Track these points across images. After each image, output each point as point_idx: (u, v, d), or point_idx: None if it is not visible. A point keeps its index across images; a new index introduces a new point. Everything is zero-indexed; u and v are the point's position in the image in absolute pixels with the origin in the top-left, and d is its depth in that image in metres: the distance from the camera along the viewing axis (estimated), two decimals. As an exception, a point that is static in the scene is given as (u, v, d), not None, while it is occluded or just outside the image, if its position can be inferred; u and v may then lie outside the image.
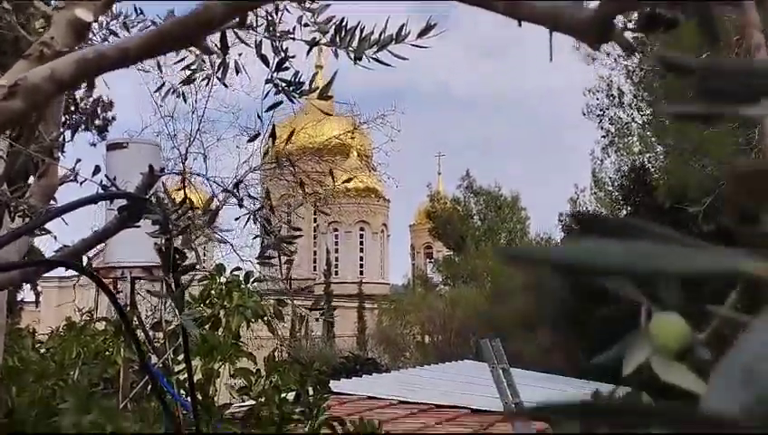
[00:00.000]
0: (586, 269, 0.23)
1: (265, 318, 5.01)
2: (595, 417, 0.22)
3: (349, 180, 20.85)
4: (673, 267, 0.21)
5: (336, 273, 36.45)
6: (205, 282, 5.27)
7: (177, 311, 1.33)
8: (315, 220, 35.32)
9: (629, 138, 20.15)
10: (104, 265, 5.70)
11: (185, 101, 2.06)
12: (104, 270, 5.23)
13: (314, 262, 37.12)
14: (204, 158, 13.11)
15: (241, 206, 1.77)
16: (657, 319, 0.36)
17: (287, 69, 1.53)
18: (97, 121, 11.02)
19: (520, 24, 0.64)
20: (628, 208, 17.33)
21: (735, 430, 0.19)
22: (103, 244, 5.61)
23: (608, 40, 0.58)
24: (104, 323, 5.43)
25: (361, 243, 38.75)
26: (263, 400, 4.98)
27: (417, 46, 1.49)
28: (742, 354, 0.22)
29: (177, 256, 1.33)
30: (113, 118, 13.19)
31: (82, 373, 5.02)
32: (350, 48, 1.47)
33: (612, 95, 18.46)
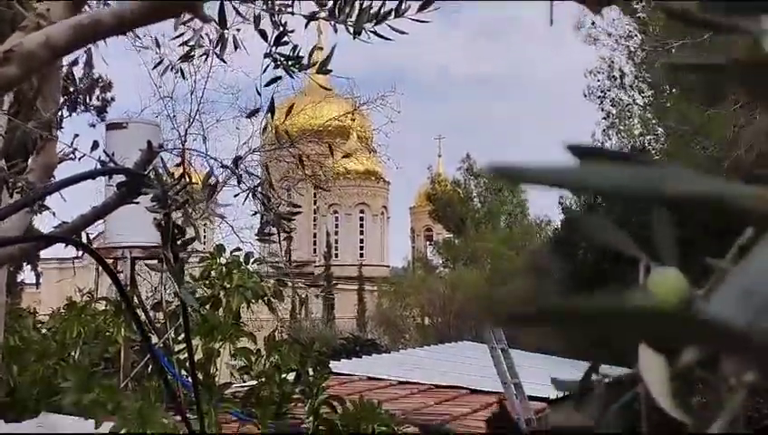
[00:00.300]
0: (584, 189, 0.23)
1: (266, 298, 5.03)
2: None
3: (347, 156, 20.79)
4: (675, 191, 0.21)
5: (336, 255, 36.50)
6: (205, 262, 5.28)
7: (176, 286, 1.33)
8: (315, 202, 35.32)
9: (630, 120, 20.08)
10: (104, 246, 5.71)
11: (183, 77, 2.04)
12: (104, 250, 5.24)
13: (314, 244, 37.16)
14: (203, 139, 13.07)
15: (240, 182, 1.77)
16: (655, 274, 0.36)
17: (286, 43, 1.52)
18: (95, 102, 10.98)
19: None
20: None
21: (741, 340, 0.19)
22: (103, 224, 5.61)
23: (609, 4, 0.57)
24: (105, 302, 5.45)
25: (361, 225, 38.76)
26: (263, 380, 5.01)
27: (416, 21, 1.48)
28: (741, 277, 0.22)
29: (176, 231, 1.33)
30: (112, 99, 13.14)
31: (83, 353, 5.05)
32: (349, 22, 1.45)
33: (614, 76, 18.36)
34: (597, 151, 0.26)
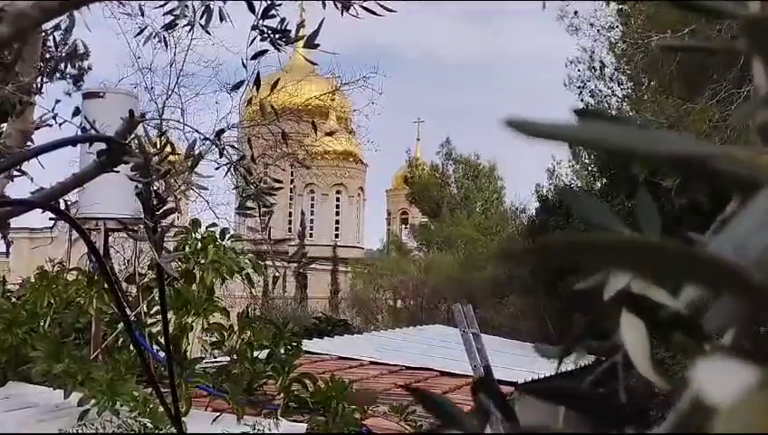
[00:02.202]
0: (592, 145, 0.24)
1: (244, 272, 5.02)
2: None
3: (330, 134, 20.70)
4: (670, 150, 0.22)
5: (311, 235, 36.44)
6: (180, 237, 5.25)
7: (155, 255, 1.33)
8: (292, 181, 35.16)
9: (608, 111, 20.23)
10: (78, 217, 5.64)
11: (166, 46, 2.03)
12: (78, 221, 5.18)
13: (289, 223, 37.04)
14: (181, 112, 12.93)
15: (222, 155, 1.76)
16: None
17: (274, 16, 1.51)
18: (72, 70, 10.79)
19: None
20: (604, 181, 17.48)
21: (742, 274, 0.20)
22: (77, 195, 5.55)
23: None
24: (76, 273, 5.40)
25: (337, 206, 38.70)
26: (235, 356, 5.02)
27: None
28: (734, 231, 0.23)
29: (157, 201, 1.33)
30: (89, 67, 12.92)
31: (54, 323, 5.01)
32: (338, -2, 1.45)
33: (594, 67, 18.45)
34: (599, 114, 0.27)
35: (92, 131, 1.79)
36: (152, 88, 13.27)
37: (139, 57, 12.89)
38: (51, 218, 2.47)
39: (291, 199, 36.92)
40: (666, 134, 0.23)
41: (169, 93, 12.57)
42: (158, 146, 1.46)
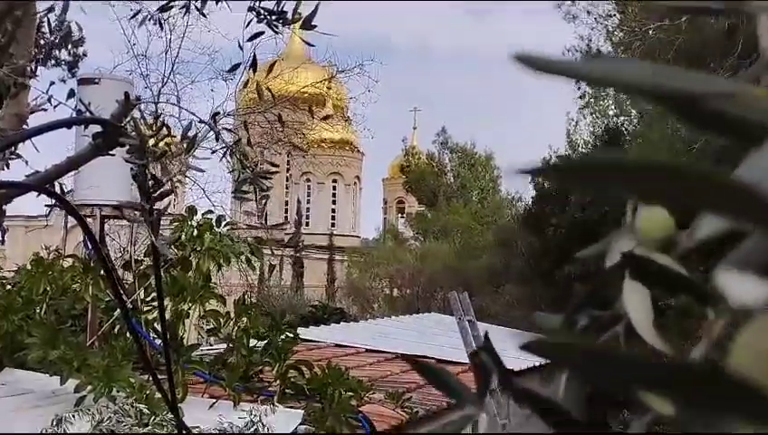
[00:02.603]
0: (602, 82, 0.23)
1: (243, 256, 5.01)
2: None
3: (327, 117, 20.63)
4: (684, 87, 0.21)
5: (307, 224, 36.44)
6: (176, 224, 5.24)
7: (152, 237, 1.32)
8: (288, 170, 35.10)
9: (605, 100, 20.23)
10: (74, 204, 5.62)
11: (161, 28, 2.01)
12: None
13: (286, 212, 37.01)
14: (177, 100, 12.85)
15: (218, 139, 1.75)
16: (642, 211, 0.37)
17: (270, -2, 1.50)
18: (66, 56, 10.73)
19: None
20: (600, 170, 17.46)
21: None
22: (72, 183, 5.53)
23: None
24: (72, 260, 5.38)
25: (334, 195, 38.68)
26: (231, 343, 5.02)
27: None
28: (760, 160, 0.22)
29: (153, 183, 1.32)
30: (84, 54, 12.83)
31: (50, 309, 5.00)
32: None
33: (591, 55, 18.41)
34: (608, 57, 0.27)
35: (88, 114, 1.78)
36: (147, 75, 13.20)
37: (134, 44, 12.82)
38: (47, 205, 2.46)
39: (287, 188, 36.88)
40: (681, 72, 0.22)
41: (165, 81, 12.50)
42: (154, 128, 1.45)
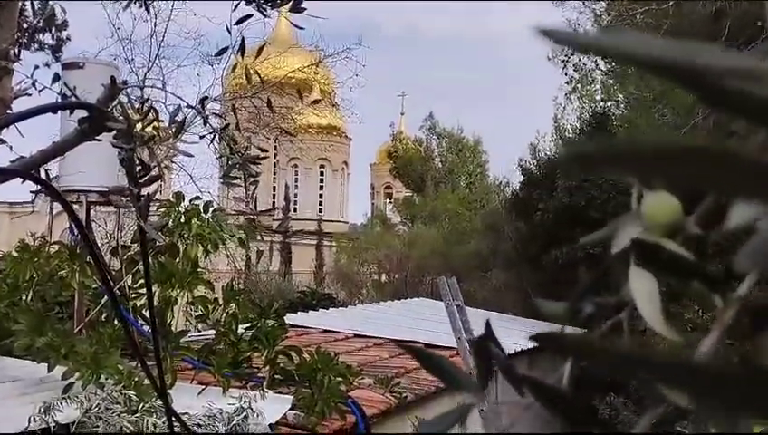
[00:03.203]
0: (635, 59, 0.22)
1: (235, 238, 5.00)
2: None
3: (316, 102, 20.54)
4: (711, 64, 0.20)
5: (295, 210, 36.37)
6: (163, 210, 5.21)
7: (141, 221, 1.30)
8: (276, 156, 34.95)
9: (592, 85, 20.25)
10: (60, 190, 5.56)
11: (148, 11, 1.98)
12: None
13: (273, 198, 36.91)
14: (163, 85, 12.71)
15: (206, 123, 1.73)
16: (648, 196, 0.36)
17: (258, -19, 1.48)
18: (50, 41, 10.58)
19: None
20: (587, 155, 17.50)
21: None
22: (57, 169, 5.47)
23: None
24: (59, 247, 5.34)
25: (321, 180, 38.60)
26: (220, 329, 5.01)
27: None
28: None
29: (141, 168, 1.30)
30: (68, 38, 12.67)
31: (36, 296, 4.96)
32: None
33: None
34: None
35: (73, 99, 1.75)
36: (132, 60, 13.07)
37: (118, 28, 12.67)
38: (32, 191, 2.43)
39: (274, 174, 36.74)
40: (702, 47, 0.21)
41: (150, 65, 12.38)
42: (141, 112, 1.43)
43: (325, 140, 36.97)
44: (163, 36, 12.59)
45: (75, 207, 5.32)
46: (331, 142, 37.51)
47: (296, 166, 37.40)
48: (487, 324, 0.38)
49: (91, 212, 5.84)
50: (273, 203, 36.63)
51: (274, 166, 36.25)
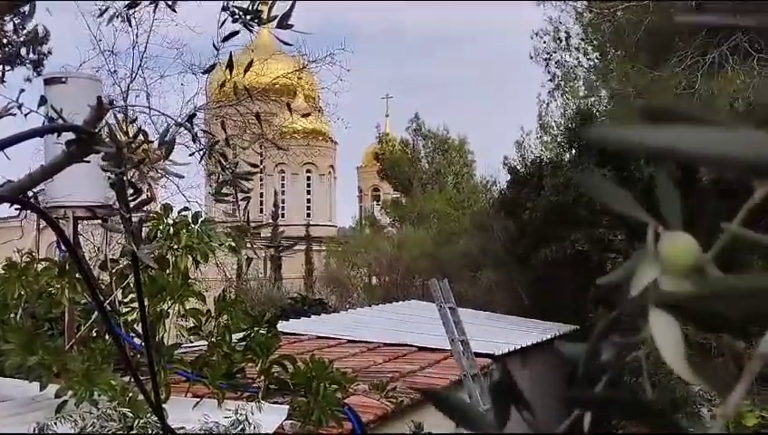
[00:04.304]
0: (695, 158, 0.22)
1: (224, 246, 4.97)
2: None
3: (306, 115, 20.47)
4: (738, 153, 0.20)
5: (283, 215, 36.27)
6: (151, 222, 5.16)
7: (134, 247, 1.29)
8: (262, 162, 34.85)
9: (575, 81, 20.35)
10: (46, 206, 5.51)
11: (130, 25, 1.96)
12: (46, 210, 5.05)
13: (261, 205, 36.81)
14: (147, 95, 12.66)
15: (195, 141, 1.72)
16: (665, 237, 0.36)
17: (244, -3, 1.47)
18: (31, 55, 10.47)
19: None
20: (573, 152, 17.60)
21: None
22: (44, 183, 5.42)
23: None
24: (47, 263, 5.28)
25: (308, 185, 38.53)
26: (213, 340, 4.98)
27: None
28: None
29: (133, 191, 1.29)
30: (49, 52, 12.57)
31: (26, 314, 4.91)
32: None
33: (559, 38, 18.50)
34: (670, 113, 0.25)
35: (59, 120, 1.73)
36: (115, 71, 12.99)
37: (100, 40, 12.60)
38: (17, 208, 2.40)
39: (261, 180, 36.64)
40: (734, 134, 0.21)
41: (133, 76, 12.31)
42: (130, 134, 1.42)
43: (311, 145, 36.92)
44: (145, 47, 12.54)
45: (62, 222, 5.27)
46: (317, 147, 37.47)
47: (283, 172, 37.33)
48: (503, 366, 0.38)
49: (78, 226, 5.79)
50: (261, 209, 36.51)
51: (261, 172, 36.15)
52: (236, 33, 1.53)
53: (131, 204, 1.32)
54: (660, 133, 0.22)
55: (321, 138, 37.17)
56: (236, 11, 1.47)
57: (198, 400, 4.54)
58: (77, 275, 4.80)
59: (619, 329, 0.40)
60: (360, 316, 12.60)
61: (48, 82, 5.54)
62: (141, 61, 12.63)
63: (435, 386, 6.63)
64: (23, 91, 1.58)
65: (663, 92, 11.34)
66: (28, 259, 5.80)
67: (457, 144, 32.58)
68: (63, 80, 5.44)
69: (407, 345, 8.87)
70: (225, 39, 1.56)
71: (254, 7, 1.47)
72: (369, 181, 40.38)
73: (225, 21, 1.52)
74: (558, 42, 18.93)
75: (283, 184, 37.68)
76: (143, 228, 1.39)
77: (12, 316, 4.92)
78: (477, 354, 7.37)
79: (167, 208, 5.32)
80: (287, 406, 4.69)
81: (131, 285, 4.91)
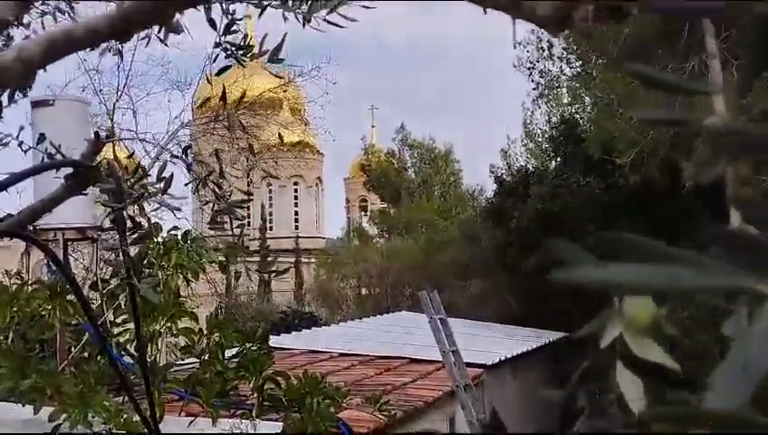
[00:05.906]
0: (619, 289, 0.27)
1: (215, 263, 5.00)
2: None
3: (297, 144, 20.37)
4: (691, 286, 0.25)
5: (270, 228, 36.24)
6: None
7: (135, 280, 1.33)
8: (249, 175, 34.81)
9: (559, 90, 20.55)
10: (35, 227, 5.52)
11: (121, 58, 2.01)
12: (37, 233, 5.05)
13: (248, 217, 36.73)
14: (133, 113, 12.68)
15: (190, 171, 1.77)
16: (628, 301, 0.42)
17: (236, 32, 1.52)
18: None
19: (485, 12, 0.67)
20: (558, 160, 17.76)
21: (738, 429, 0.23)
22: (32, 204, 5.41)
23: (566, 29, 0.62)
24: (38, 285, 5.29)
25: (296, 197, 38.55)
26: (206, 358, 4.99)
27: (365, 7, 1.52)
28: (742, 352, 0.26)
29: (132, 225, 1.33)
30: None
31: (17, 337, 4.91)
32: (300, 11, 1.47)
33: (542, 48, 18.70)
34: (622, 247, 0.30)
35: (55, 152, 1.78)
36: (101, 90, 13.00)
37: (85, 60, 12.61)
38: (7, 234, 2.42)
39: (250, 195, 36.58)
40: (682, 272, 0.26)
41: (120, 94, 12.33)
42: (128, 170, 1.46)
43: (298, 157, 36.96)
44: (131, 65, 12.56)
45: (52, 244, 5.28)
46: (304, 159, 37.52)
47: (270, 184, 37.31)
48: (493, 412, 0.43)
49: (69, 247, 5.80)
50: (249, 222, 36.44)
51: (248, 185, 36.09)
52: (228, 67, 1.59)
53: (131, 237, 1.37)
54: (616, 272, 0.28)
55: (307, 150, 37.22)
56: (229, 47, 1.52)
57: (193, 419, 4.56)
58: (68, 297, 4.81)
59: (593, 376, 0.45)
60: (350, 329, 12.62)
61: (35, 104, 5.56)
62: (127, 79, 12.66)
63: (428, 398, 6.68)
64: (22, 129, 1.63)
65: (645, 100, 11.47)
66: (18, 281, 5.80)
67: (443, 153, 32.72)
68: (51, 102, 5.46)
69: (398, 357, 8.91)
70: (219, 73, 1.61)
71: (246, 43, 1.53)
72: (357, 192, 40.44)
73: (217, 56, 1.57)
74: (541, 51, 19.14)
75: (270, 196, 37.67)
76: (141, 265, 1.44)
77: (2, 340, 4.92)
78: (469, 365, 7.43)
79: (156, 227, 5.34)
80: (281, 423, 4.72)
81: (123, 305, 4.93)
